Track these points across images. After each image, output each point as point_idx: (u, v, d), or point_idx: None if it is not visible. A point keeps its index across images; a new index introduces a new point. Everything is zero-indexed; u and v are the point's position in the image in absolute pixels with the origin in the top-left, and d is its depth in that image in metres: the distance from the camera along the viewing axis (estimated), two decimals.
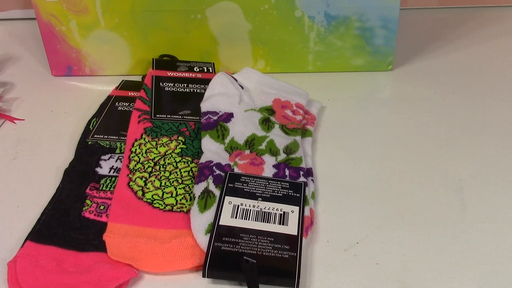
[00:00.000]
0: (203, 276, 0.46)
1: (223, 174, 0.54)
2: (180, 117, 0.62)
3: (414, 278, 0.46)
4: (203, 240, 0.48)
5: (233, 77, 0.65)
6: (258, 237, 0.48)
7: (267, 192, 0.52)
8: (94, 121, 0.64)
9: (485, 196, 0.54)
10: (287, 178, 0.54)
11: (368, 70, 0.73)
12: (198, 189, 0.52)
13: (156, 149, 0.57)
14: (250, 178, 0.53)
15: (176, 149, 0.58)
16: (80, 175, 0.56)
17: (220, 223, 0.49)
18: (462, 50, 0.78)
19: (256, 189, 0.52)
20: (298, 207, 0.51)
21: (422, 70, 0.74)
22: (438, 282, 0.46)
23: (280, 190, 0.52)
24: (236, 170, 0.55)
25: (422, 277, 0.46)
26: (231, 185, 0.52)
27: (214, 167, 0.54)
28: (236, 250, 0.47)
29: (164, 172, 0.55)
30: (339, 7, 0.68)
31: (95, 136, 0.61)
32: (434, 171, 0.57)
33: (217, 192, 0.52)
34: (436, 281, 0.46)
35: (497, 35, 0.82)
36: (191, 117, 0.62)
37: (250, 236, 0.48)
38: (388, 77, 0.73)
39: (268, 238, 0.48)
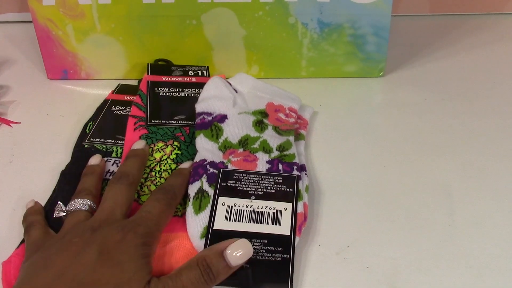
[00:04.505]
0: None
1: (216, 171, 0.54)
2: (175, 122, 0.63)
3: (403, 282, 0.47)
4: (199, 244, 0.48)
5: (227, 81, 0.66)
6: (252, 240, 0.48)
7: (260, 189, 0.52)
8: (90, 125, 0.64)
9: (473, 201, 0.55)
10: (281, 173, 0.55)
11: (360, 76, 0.74)
12: (192, 189, 0.53)
13: (152, 156, 0.58)
14: (243, 175, 0.54)
15: (171, 154, 0.58)
16: (77, 177, 0.56)
17: (214, 228, 0.49)
18: (453, 57, 0.79)
19: (249, 186, 0.53)
20: (291, 204, 0.51)
21: (413, 76, 0.75)
22: (427, 285, 0.47)
23: (273, 185, 0.53)
24: (230, 167, 0.55)
25: (412, 281, 0.47)
26: (224, 183, 0.53)
27: (208, 166, 0.55)
28: None
29: (160, 179, 0.56)
30: (332, 15, 0.69)
31: (91, 139, 0.62)
32: (423, 176, 0.58)
33: (211, 192, 0.52)
34: (425, 284, 0.47)
35: (487, 42, 0.83)
36: (185, 122, 0.63)
37: None
38: (379, 83, 0.74)
39: (261, 241, 0.48)
